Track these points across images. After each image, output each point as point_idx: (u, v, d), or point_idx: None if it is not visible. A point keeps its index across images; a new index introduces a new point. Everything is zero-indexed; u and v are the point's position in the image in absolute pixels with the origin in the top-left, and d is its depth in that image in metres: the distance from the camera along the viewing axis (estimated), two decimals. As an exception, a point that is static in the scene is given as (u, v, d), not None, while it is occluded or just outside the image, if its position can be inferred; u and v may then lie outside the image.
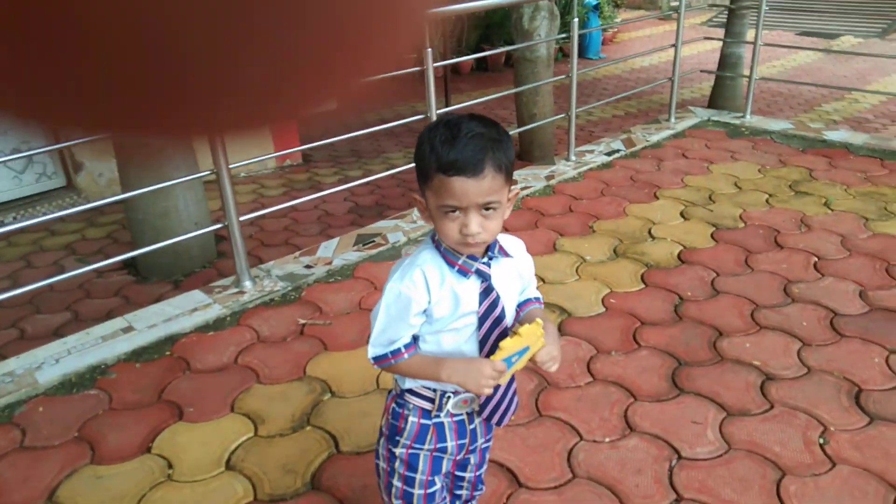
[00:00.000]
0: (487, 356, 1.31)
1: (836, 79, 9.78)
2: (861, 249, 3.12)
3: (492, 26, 11.06)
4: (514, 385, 1.42)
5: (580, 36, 12.50)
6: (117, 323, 2.78)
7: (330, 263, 3.21)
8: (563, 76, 4.48)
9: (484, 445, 1.49)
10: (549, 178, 4.13)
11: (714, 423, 2.12)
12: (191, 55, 0.20)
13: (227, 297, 2.95)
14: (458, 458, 1.43)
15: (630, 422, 2.14)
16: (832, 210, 3.54)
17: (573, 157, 4.39)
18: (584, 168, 4.25)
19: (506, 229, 1.31)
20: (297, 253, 3.37)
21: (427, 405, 1.36)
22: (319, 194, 4.23)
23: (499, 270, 1.30)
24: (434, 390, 1.35)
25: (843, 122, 7.71)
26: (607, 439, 2.07)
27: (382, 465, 1.43)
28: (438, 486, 1.43)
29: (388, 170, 6.61)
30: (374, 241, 3.40)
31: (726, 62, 7.51)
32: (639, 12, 17.69)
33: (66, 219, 5.12)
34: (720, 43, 7.78)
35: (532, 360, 1.28)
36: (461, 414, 1.38)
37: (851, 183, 3.86)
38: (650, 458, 1.99)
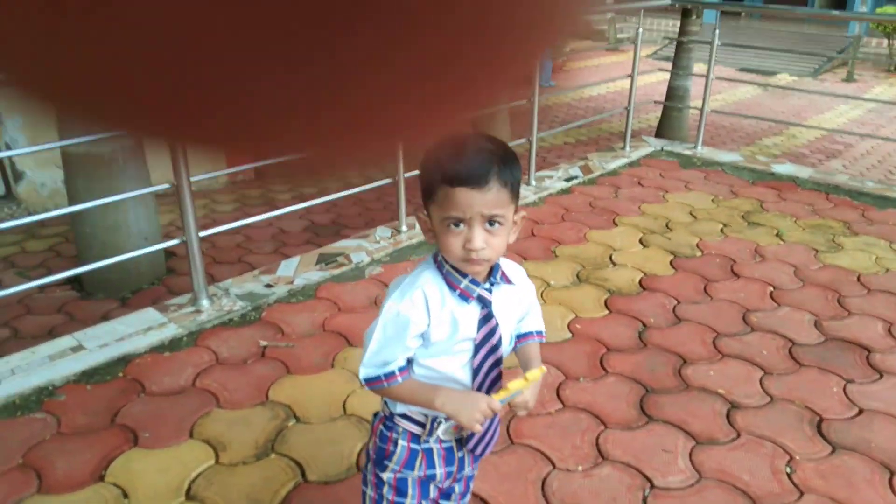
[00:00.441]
0: (481, 387, 1.29)
1: (774, 114, 10.19)
2: (813, 280, 3.23)
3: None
4: (498, 417, 1.39)
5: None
6: (65, 341, 2.64)
7: (291, 283, 3.13)
8: (523, 100, 4.52)
9: (470, 474, 1.45)
10: (509, 201, 4.14)
11: (684, 451, 2.14)
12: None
13: (184, 316, 2.84)
14: (443, 485, 1.39)
15: (602, 450, 2.14)
16: (784, 241, 3.66)
17: (533, 182, 4.43)
18: (544, 193, 4.29)
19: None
20: (257, 271, 3.28)
21: (417, 430, 1.32)
22: (278, 212, 4.14)
23: (500, 297, 1.28)
24: (426, 415, 1.31)
25: (783, 156, 8.04)
26: (580, 468, 2.06)
27: (370, 492, 1.38)
28: None
29: (344, 188, 6.56)
30: (336, 261, 3.34)
31: (674, 94, 7.75)
32: (587, 42, 18.15)
33: (4, 230, 4.87)
34: (666, 75, 8.04)
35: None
36: (449, 441, 1.35)
37: (800, 215, 4.01)
38: (623, 488, 1.99)
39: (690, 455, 2.12)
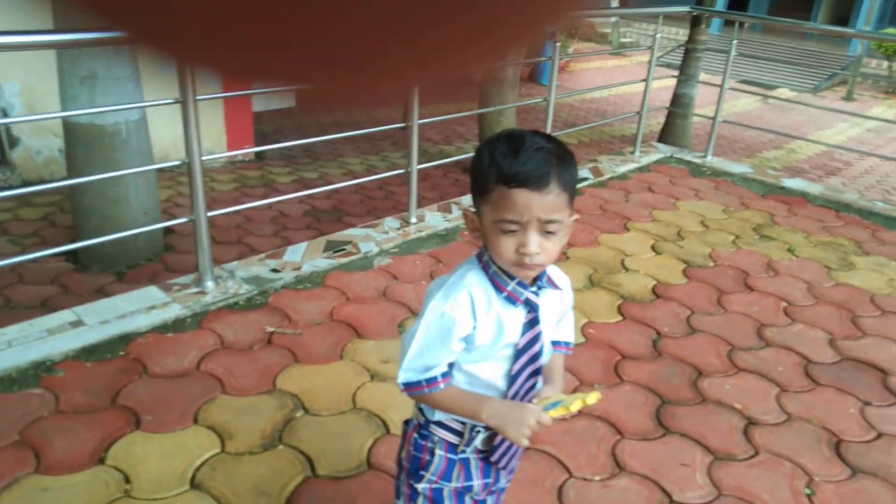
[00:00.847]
0: (516, 396, 1.22)
1: (774, 128, 10.22)
2: (827, 298, 3.19)
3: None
4: None
5: (535, 63, 12.57)
6: (64, 315, 2.54)
7: (299, 269, 3.05)
8: (540, 98, 4.46)
9: (503, 486, 1.39)
10: (519, 199, 4.08)
11: (702, 466, 2.09)
12: None
13: (187, 296, 2.75)
14: (479, 497, 1.33)
15: (619, 460, 2.09)
16: (796, 256, 3.62)
17: (543, 181, 4.37)
18: (555, 193, 4.22)
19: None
20: (263, 255, 3.19)
21: (454, 439, 1.26)
22: (283, 198, 4.06)
23: (545, 302, 1.21)
24: (464, 423, 1.24)
25: (783, 171, 8.05)
26: (597, 478, 2.01)
27: (402, 504, 1.31)
28: None
29: (344, 174, 6.47)
30: (345, 249, 3.26)
31: (679, 101, 7.73)
32: (590, 45, 18.14)
33: (-3, 195, 4.75)
34: (668, 82, 8.00)
35: None
36: (486, 451, 1.28)
37: (811, 231, 3.98)
38: (642, 501, 1.94)
39: (709, 470, 2.07)
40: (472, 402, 1.18)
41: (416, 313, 2.79)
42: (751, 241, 3.77)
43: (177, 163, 2.75)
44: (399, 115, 3.92)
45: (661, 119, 8.45)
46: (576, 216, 1.17)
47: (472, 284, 1.16)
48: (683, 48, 7.98)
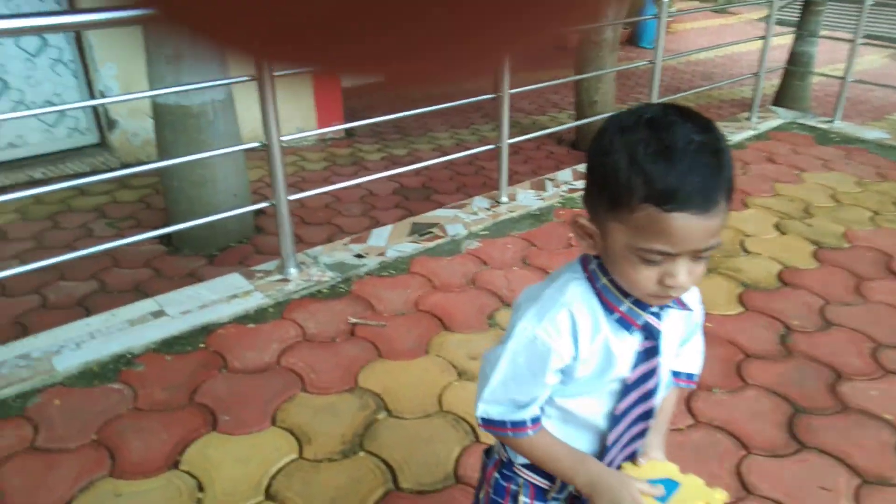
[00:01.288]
0: (618, 441, 0.97)
1: (909, 86, 9.22)
2: None
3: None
4: None
5: (636, 24, 11.96)
6: (147, 305, 2.48)
7: (383, 254, 2.88)
8: (644, 61, 4.08)
9: None
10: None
11: (847, 491, 1.77)
12: None
13: (270, 284, 2.64)
14: None
15: (746, 481, 1.80)
16: (950, 236, 3.14)
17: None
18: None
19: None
20: (347, 239, 3.04)
21: (545, 483, 1.03)
22: (367, 178, 3.90)
23: (668, 326, 0.95)
24: None
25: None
26: (720, 502, 1.73)
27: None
28: None
29: (433, 149, 6.27)
30: (431, 233, 3.06)
31: (797, 60, 7.04)
32: (694, 3, 17.06)
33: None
34: (782, 40, 7.30)
35: None
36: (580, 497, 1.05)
37: (968, 207, 3.45)
38: (776, 533, 1.65)
39: (857, 497, 1.75)
40: (565, 459, 0.95)
41: (507, 303, 2.56)
42: (892, 218, 3.29)
43: (256, 145, 2.62)
44: (489, 86, 3.66)
45: (774, 81, 7.75)
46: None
47: (575, 302, 0.90)
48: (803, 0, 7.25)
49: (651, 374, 0.94)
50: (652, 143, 0.78)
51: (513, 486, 1.05)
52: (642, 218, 0.78)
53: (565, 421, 0.98)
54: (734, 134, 4.39)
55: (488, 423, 0.97)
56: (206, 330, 2.38)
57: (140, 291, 3.22)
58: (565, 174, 3.83)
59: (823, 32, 7.19)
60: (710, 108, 8.45)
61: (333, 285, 2.67)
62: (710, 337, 2.38)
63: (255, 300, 2.53)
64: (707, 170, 0.77)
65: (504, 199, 3.39)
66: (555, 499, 1.04)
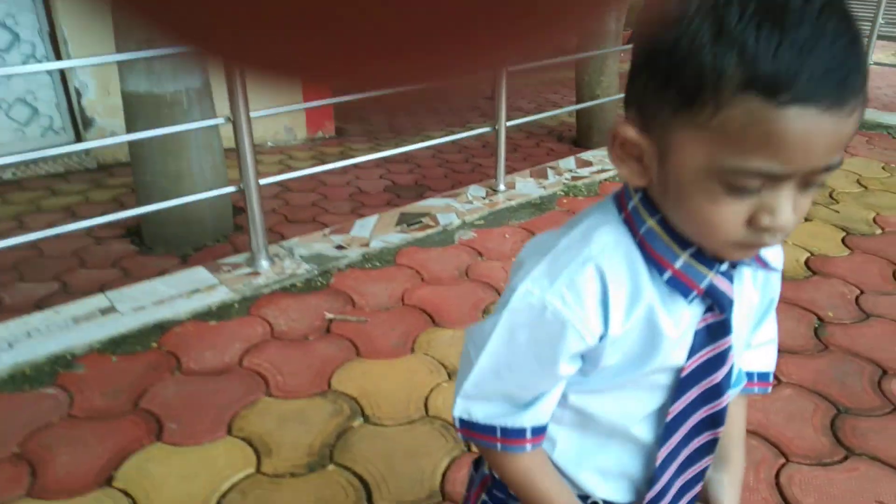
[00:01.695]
0: (673, 459, 0.68)
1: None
2: None
3: None
4: None
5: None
6: (95, 301, 2.20)
7: (367, 245, 2.60)
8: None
9: None
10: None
11: (910, 506, 1.48)
12: None
13: (238, 277, 2.36)
14: None
15: (786, 493, 1.50)
16: None
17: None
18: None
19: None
20: (328, 229, 2.77)
21: None
22: (352, 161, 3.63)
23: (741, 294, 0.65)
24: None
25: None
26: (759, 520, 1.44)
27: None
28: None
29: (428, 149, 6.02)
30: (421, 222, 2.78)
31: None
32: None
33: (71, 178, 4.60)
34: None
35: None
36: None
37: None
38: (830, 558, 1.36)
39: (922, 513, 1.46)
40: (566, 498, 0.67)
41: (504, 295, 2.28)
42: (925, 204, 3.02)
43: (221, 121, 2.35)
44: (486, 85, 3.40)
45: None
46: None
47: (606, 254, 0.60)
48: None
49: (719, 361, 0.64)
50: (752, 0, 0.47)
51: (504, 511, 0.76)
52: (737, 118, 0.48)
53: (584, 428, 0.69)
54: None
55: (469, 428, 0.68)
56: (161, 328, 2.09)
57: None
58: (567, 162, 3.55)
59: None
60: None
61: (309, 279, 2.39)
62: (735, 329, 2.09)
63: (219, 295, 2.25)
64: (842, 40, 0.47)
65: (502, 187, 3.11)
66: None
